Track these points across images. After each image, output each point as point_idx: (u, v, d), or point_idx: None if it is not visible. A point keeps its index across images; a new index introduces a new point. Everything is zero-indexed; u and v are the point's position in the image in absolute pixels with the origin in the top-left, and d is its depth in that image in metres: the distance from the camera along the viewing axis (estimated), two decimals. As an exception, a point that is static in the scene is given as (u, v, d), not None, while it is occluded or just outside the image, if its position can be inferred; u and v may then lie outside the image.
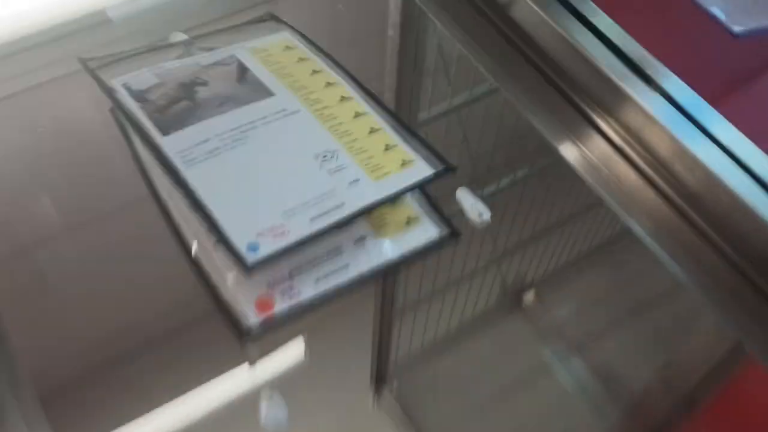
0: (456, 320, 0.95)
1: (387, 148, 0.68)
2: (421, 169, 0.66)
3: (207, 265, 0.61)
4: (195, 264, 0.61)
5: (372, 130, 0.69)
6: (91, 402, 0.58)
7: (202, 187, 0.61)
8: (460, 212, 0.70)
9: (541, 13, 0.77)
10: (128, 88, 0.68)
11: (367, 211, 0.63)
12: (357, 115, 0.70)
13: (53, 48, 0.74)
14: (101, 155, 0.68)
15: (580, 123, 0.76)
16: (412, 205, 0.67)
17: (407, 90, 1.00)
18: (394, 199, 0.64)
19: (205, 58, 0.73)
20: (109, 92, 0.67)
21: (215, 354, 0.61)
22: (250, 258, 0.57)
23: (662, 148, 0.70)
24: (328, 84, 0.72)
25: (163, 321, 0.64)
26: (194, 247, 0.61)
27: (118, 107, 0.66)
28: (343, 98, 0.71)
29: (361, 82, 0.73)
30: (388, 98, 0.93)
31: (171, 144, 0.63)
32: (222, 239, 0.58)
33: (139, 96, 0.67)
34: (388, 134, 0.69)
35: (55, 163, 0.68)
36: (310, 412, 0.60)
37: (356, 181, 0.64)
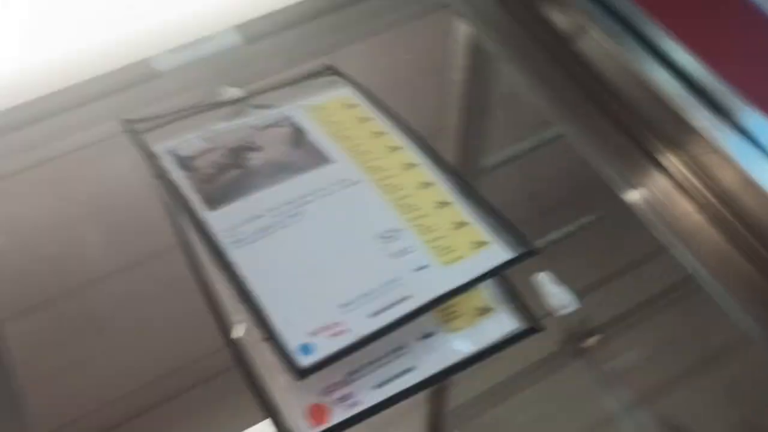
0: (518, 365, 0.90)
1: (458, 225, 0.60)
2: (498, 253, 0.58)
3: (253, 361, 0.54)
4: (238, 357, 0.54)
5: (441, 204, 0.61)
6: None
7: (250, 273, 0.54)
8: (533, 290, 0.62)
9: (606, 44, 0.69)
10: (174, 155, 0.61)
11: (436, 305, 0.55)
12: (424, 185, 0.62)
13: (92, 105, 0.69)
14: (141, 227, 0.62)
15: (646, 163, 0.68)
16: (485, 292, 0.59)
17: (472, 135, 0.93)
18: (467, 289, 0.57)
19: (257, 118, 0.66)
20: (153, 159, 0.61)
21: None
22: (304, 361, 0.50)
23: (734, 188, 0.62)
24: (392, 148, 0.65)
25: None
26: (239, 337, 0.54)
27: (161, 176, 0.60)
28: (408, 165, 0.63)
29: (427, 142, 0.65)
30: (451, 144, 0.86)
31: (218, 220, 0.57)
32: (272, 337, 0.51)
33: (186, 164, 0.61)
34: (459, 208, 0.61)
35: (91, 233, 0.63)
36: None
37: (424, 267, 0.56)
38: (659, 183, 0.66)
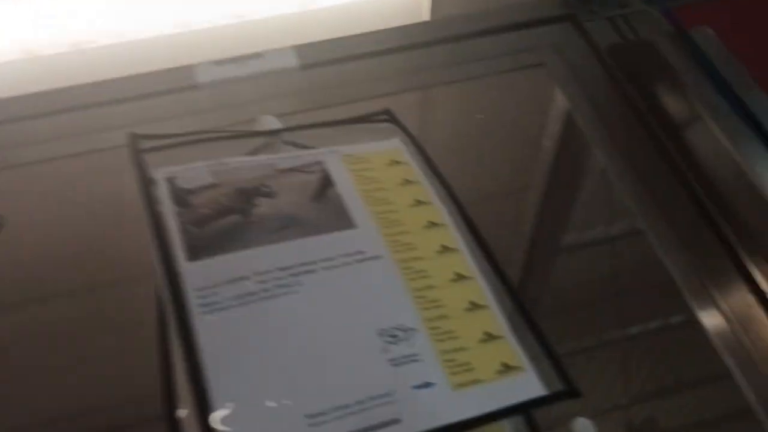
0: None
1: (488, 338, 0.47)
2: (530, 385, 0.45)
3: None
4: None
5: (473, 306, 0.49)
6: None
7: (209, 348, 0.43)
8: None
9: (723, 139, 0.55)
10: (172, 184, 0.52)
11: (434, 436, 0.43)
12: (458, 277, 0.50)
13: (118, 107, 0.61)
14: (120, 257, 0.54)
15: (737, 280, 0.54)
16: (505, 428, 0.46)
17: (536, 213, 0.81)
18: (479, 425, 0.44)
19: (284, 157, 0.56)
20: (146, 183, 0.52)
21: None
22: (239, 481, 0.39)
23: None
24: (431, 224, 0.53)
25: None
26: (181, 419, 0.44)
27: (149, 206, 0.51)
28: (444, 248, 0.52)
29: (475, 225, 0.53)
30: (509, 221, 0.74)
31: (194, 274, 0.47)
32: (209, 436, 0.40)
33: (182, 197, 0.51)
34: (495, 316, 0.48)
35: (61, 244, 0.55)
36: None
37: (428, 385, 0.44)
38: (747, 301, 0.52)
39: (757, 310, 0.52)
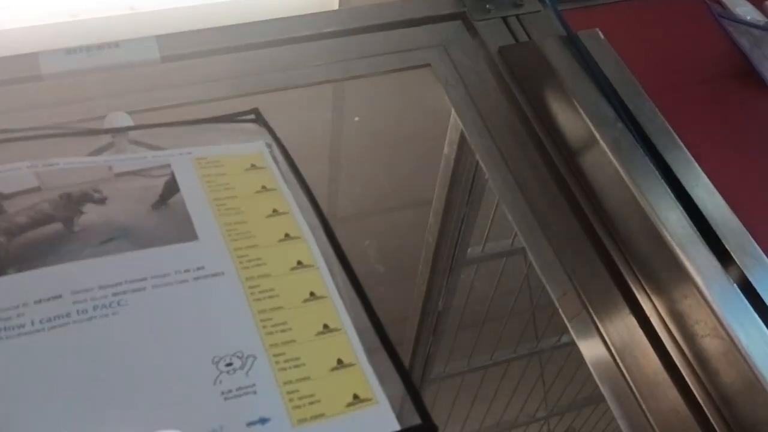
0: None
1: (339, 365, 0.42)
2: (381, 419, 0.40)
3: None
4: None
5: (325, 330, 0.44)
6: None
7: (4, 381, 0.37)
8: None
9: (618, 166, 0.52)
10: (-14, 187, 0.46)
11: (265, 484, 0.38)
12: (312, 297, 0.45)
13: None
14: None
15: (616, 295, 0.51)
16: (352, 471, 0.41)
17: (457, 220, 0.77)
18: (320, 466, 0.39)
19: (129, 159, 0.50)
20: (-44, 186, 0.45)
21: None
22: None
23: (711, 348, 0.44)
24: (286, 237, 0.48)
25: None
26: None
27: (-44, 212, 0.44)
28: (300, 264, 0.46)
29: (336, 239, 0.48)
30: (377, 229, 0.70)
31: (-4, 293, 0.41)
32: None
33: (-5, 202, 0.45)
34: (350, 341, 0.43)
35: None
36: None
37: (264, 421, 0.39)
38: (629, 324, 0.49)
39: (639, 335, 0.49)
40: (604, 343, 0.48)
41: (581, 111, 0.54)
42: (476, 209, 0.80)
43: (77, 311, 0.40)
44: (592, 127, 0.54)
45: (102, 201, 0.46)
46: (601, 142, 0.53)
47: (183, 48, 0.60)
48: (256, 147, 0.53)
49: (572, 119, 0.56)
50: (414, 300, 0.83)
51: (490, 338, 0.90)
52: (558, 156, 0.56)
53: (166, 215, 0.47)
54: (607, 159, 0.52)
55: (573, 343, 0.98)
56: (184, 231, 0.46)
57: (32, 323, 0.39)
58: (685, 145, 0.55)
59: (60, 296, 0.40)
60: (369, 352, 0.43)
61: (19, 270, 0.41)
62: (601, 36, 0.61)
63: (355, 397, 0.41)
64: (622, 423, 0.45)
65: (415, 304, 0.84)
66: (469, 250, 0.86)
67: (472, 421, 0.76)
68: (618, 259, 0.51)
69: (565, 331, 0.97)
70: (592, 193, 0.54)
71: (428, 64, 0.64)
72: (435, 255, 0.81)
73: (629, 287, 0.50)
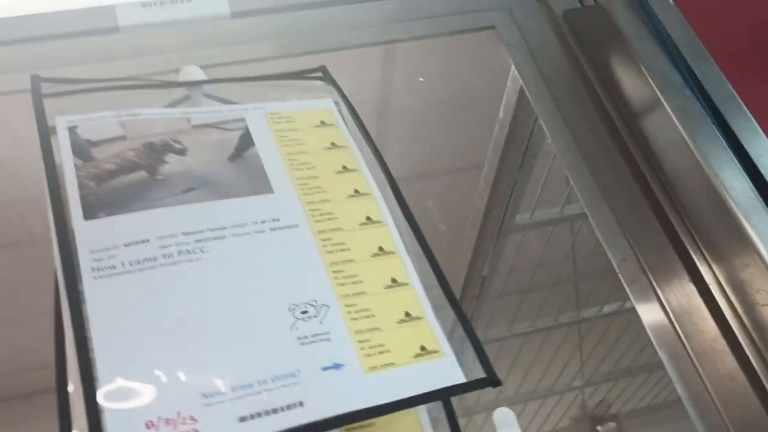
0: None
1: (406, 318, 0.44)
2: (448, 371, 0.42)
3: (75, 422, 0.39)
4: (62, 410, 0.39)
5: (394, 283, 0.45)
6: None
7: (98, 317, 0.40)
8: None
9: (683, 133, 0.52)
10: (74, 134, 0.47)
11: (339, 424, 0.40)
12: (381, 252, 0.47)
13: (24, 47, 0.56)
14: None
15: (676, 262, 0.52)
16: (417, 417, 0.43)
17: (508, 185, 0.78)
18: (389, 410, 0.41)
19: (203, 112, 0.52)
20: (46, 132, 0.47)
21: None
22: (118, 466, 0.36)
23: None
24: (356, 194, 0.49)
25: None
26: (71, 392, 0.40)
27: (46, 156, 0.46)
28: (369, 221, 0.48)
29: (404, 197, 0.50)
30: (448, 194, 0.71)
31: (87, 234, 0.42)
32: (90, 414, 0.37)
33: (84, 149, 0.47)
34: (417, 296, 0.45)
35: None
36: None
37: (338, 367, 0.41)
38: (688, 291, 0.50)
39: (698, 301, 0.50)
40: (663, 309, 0.49)
41: (647, 76, 0.54)
42: (527, 176, 0.80)
43: (163, 255, 0.42)
44: (659, 93, 0.54)
45: (182, 151, 0.48)
46: (667, 108, 0.53)
47: (252, 4, 0.61)
48: (324, 104, 0.55)
49: (638, 84, 0.56)
50: (459, 263, 0.84)
51: (532, 306, 0.92)
52: (621, 122, 0.57)
53: (242, 167, 0.48)
54: (673, 125, 0.53)
55: (613, 314, 0.99)
56: (260, 184, 0.48)
57: (122, 265, 0.42)
58: (752, 113, 0.54)
59: (147, 240, 0.43)
60: (435, 308, 0.45)
61: (109, 214, 0.43)
62: (670, 1, 0.61)
63: (422, 348, 0.43)
64: (678, 387, 0.46)
65: (461, 268, 0.86)
66: (517, 216, 0.87)
67: (508, 386, 0.78)
68: (679, 226, 0.52)
69: (607, 302, 0.99)
70: (655, 160, 0.54)
71: (492, 27, 0.64)
72: (483, 220, 0.82)
73: (689, 254, 0.50)
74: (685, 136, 0.52)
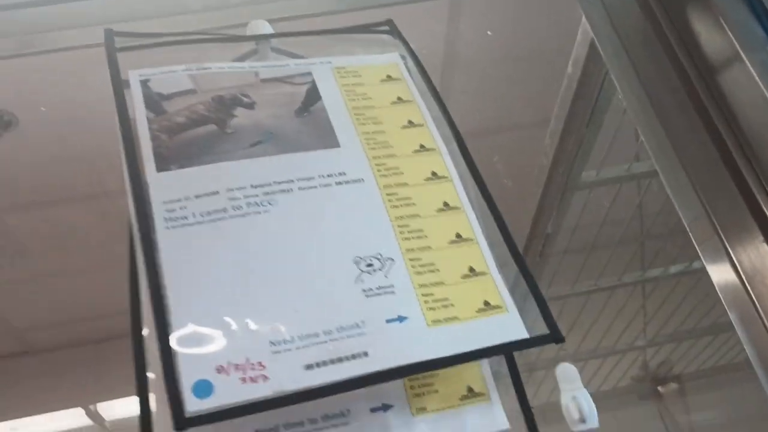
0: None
1: (471, 273, 0.44)
2: (511, 327, 0.42)
3: (150, 367, 0.41)
4: (137, 354, 0.41)
5: (458, 239, 0.46)
6: None
7: (171, 264, 0.41)
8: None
9: (764, 90, 0.50)
10: (146, 87, 0.49)
11: (402, 375, 0.41)
12: (446, 207, 0.47)
13: (110, 1, 0.57)
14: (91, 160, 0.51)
15: (750, 222, 0.50)
16: (478, 371, 0.44)
17: (575, 141, 0.76)
18: (451, 363, 0.41)
19: (270, 65, 0.52)
20: (120, 85, 0.48)
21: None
22: (192, 405, 0.37)
23: None
24: (422, 149, 0.49)
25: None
26: (145, 336, 0.42)
27: (120, 109, 0.47)
28: (434, 176, 0.48)
29: (470, 153, 0.49)
30: (517, 149, 0.70)
31: (161, 186, 0.44)
32: (164, 358, 0.38)
33: (156, 103, 0.48)
34: (481, 251, 0.45)
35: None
36: None
37: (402, 319, 0.42)
38: (762, 252, 0.48)
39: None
40: (735, 270, 0.48)
41: (728, 31, 0.52)
42: (595, 132, 0.78)
43: (232, 207, 0.43)
44: (739, 49, 0.52)
45: (251, 105, 0.48)
46: (748, 64, 0.51)
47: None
48: (391, 58, 0.55)
49: (717, 40, 0.54)
50: (523, 220, 0.84)
51: (596, 264, 0.90)
52: (698, 77, 0.55)
53: (309, 122, 0.49)
54: (753, 83, 0.50)
55: (680, 275, 0.97)
56: (327, 138, 0.48)
57: (193, 216, 0.43)
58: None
59: (217, 193, 0.44)
60: (498, 264, 0.45)
61: (180, 167, 0.45)
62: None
63: (486, 303, 0.43)
64: (748, 348, 0.45)
65: (524, 225, 0.85)
66: (583, 173, 0.85)
67: (569, 344, 0.77)
68: (754, 185, 0.50)
69: (674, 262, 0.96)
70: (732, 117, 0.52)
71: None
72: (549, 176, 0.81)
73: (765, 214, 0.49)
74: (767, 94, 0.50)
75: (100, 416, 1.27)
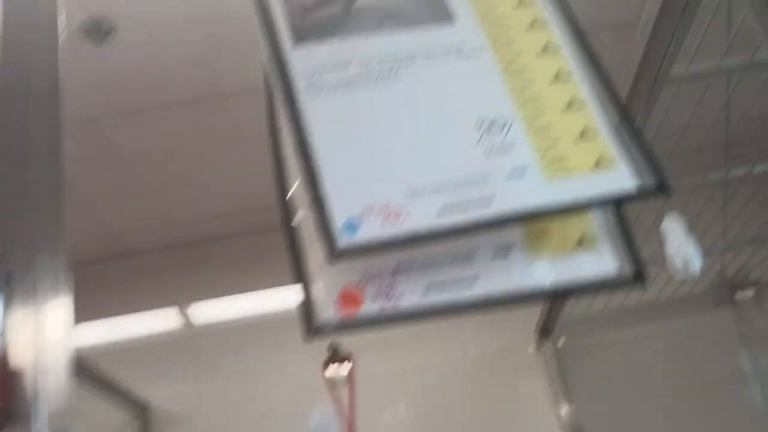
0: (652, 295, 0.86)
1: (584, 134, 0.48)
2: (622, 178, 0.46)
3: (300, 225, 0.47)
4: (286, 217, 0.47)
5: (571, 104, 0.49)
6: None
7: (317, 126, 0.46)
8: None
9: None
10: (278, -28, 0.53)
11: (524, 219, 0.45)
12: (559, 76, 0.50)
13: None
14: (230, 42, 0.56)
15: None
16: (592, 220, 0.48)
17: (667, 34, 0.77)
18: (566, 211, 0.46)
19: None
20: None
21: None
22: (343, 240, 0.43)
23: None
24: (535, 24, 0.53)
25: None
26: (291, 197, 0.48)
27: (257, -8, 0.52)
28: (547, 48, 0.52)
29: (583, 31, 0.52)
30: (637, 40, 0.72)
31: (300, 59, 0.49)
32: (317, 202, 0.44)
33: (287, -15, 0.53)
34: (593, 114, 0.49)
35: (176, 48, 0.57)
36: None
37: (522, 170, 0.46)
38: None
39: None
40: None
41: None
42: (688, 25, 0.79)
43: (365, 76, 0.48)
44: None
45: (373, -14, 0.53)
46: None
47: None
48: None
49: None
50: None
51: (679, 164, 0.92)
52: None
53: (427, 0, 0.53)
54: None
55: (765, 176, 0.96)
56: (443, 14, 0.52)
57: (329, 85, 0.48)
58: None
59: (351, 65, 0.48)
60: (609, 125, 0.49)
61: (314, 42, 0.50)
62: None
63: (598, 159, 0.47)
64: None
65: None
66: (673, 67, 0.86)
67: (647, 247, 0.80)
68: None
69: (759, 162, 0.96)
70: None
71: None
72: (639, 70, 0.82)
73: None
74: None
75: (190, 318, 1.36)
